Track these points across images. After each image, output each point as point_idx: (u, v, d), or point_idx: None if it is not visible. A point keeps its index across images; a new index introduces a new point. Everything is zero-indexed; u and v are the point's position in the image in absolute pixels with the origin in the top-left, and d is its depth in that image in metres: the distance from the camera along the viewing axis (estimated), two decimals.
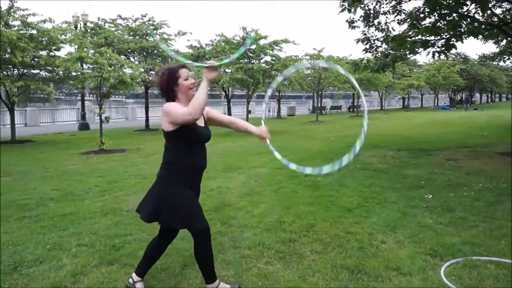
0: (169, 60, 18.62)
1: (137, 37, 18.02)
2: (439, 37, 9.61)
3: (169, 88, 2.75)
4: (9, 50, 12.03)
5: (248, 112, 19.05)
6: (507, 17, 11.81)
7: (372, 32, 10.40)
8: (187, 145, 2.77)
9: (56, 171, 8.23)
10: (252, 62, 17.84)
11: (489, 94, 72.01)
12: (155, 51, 18.14)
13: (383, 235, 4.18)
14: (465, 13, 9.35)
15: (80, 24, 18.19)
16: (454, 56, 45.81)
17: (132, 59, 18.30)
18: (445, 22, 9.24)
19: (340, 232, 4.29)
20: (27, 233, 4.33)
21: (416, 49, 9.69)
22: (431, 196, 5.73)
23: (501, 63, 33.02)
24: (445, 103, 53.44)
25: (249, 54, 17.81)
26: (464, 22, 9.51)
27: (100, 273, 3.33)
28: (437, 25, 9.32)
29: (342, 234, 4.23)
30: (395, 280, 3.20)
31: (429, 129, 17.49)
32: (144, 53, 18.38)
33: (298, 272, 3.35)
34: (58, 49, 14.12)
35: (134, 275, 3.04)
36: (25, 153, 11.26)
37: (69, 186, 6.70)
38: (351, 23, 10.27)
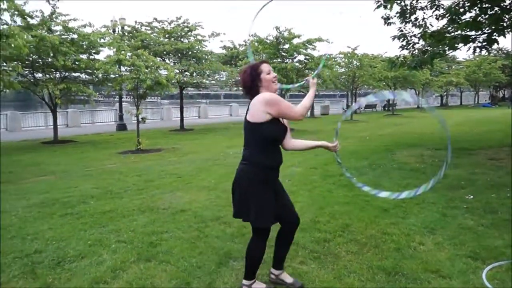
0: (203, 61, 18.91)
1: (172, 39, 18.35)
2: (480, 32, 9.24)
3: (253, 84, 2.81)
4: (51, 54, 12.54)
5: None
6: None
7: (409, 29, 10.14)
8: (276, 140, 2.84)
9: (96, 170, 8.52)
10: (286, 61, 17.80)
11: None
12: (190, 53, 18.42)
13: (421, 237, 4.07)
14: (508, 7, 8.95)
15: (118, 28, 18.73)
16: (495, 52, 43.96)
17: (167, 61, 18.67)
18: (487, 16, 8.86)
19: (376, 232, 4.22)
20: (70, 229, 4.51)
21: (456, 45, 9.36)
22: (472, 197, 5.53)
23: None
24: (486, 101, 51.36)
25: (282, 53, 17.79)
26: (507, 16, 9.10)
27: (139, 269, 3.43)
28: (478, 19, 8.95)
29: (378, 234, 4.15)
30: (434, 283, 3.11)
31: (469, 128, 16.87)
32: (179, 55, 18.70)
33: (333, 273, 3.32)
34: (97, 53, 14.60)
35: (244, 281, 3.03)
36: (67, 153, 11.72)
37: (108, 184, 6.92)
38: (386, 20, 10.06)
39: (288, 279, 3.14)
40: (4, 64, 10.73)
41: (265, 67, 2.83)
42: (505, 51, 46.16)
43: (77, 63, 13.56)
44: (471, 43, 9.31)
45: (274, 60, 17.91)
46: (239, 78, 2.90)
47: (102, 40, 14.14)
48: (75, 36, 13.35)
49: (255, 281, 3.03)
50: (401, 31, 10.09)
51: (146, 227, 4.51)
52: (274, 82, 2.84)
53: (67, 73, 14.34)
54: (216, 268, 3.43)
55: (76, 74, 15.14)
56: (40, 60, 13.30)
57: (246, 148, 2.86)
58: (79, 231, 4.43)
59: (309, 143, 3.12)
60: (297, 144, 3.06)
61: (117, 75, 12.31)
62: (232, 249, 3.81)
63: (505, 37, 8.80)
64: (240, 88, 2.96)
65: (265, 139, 2.76)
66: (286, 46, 17.63)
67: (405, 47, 10.26)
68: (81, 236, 4.28)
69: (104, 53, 18.57)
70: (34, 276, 3.36)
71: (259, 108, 2.71)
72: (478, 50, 9.37)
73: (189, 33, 18.85)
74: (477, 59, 38.75)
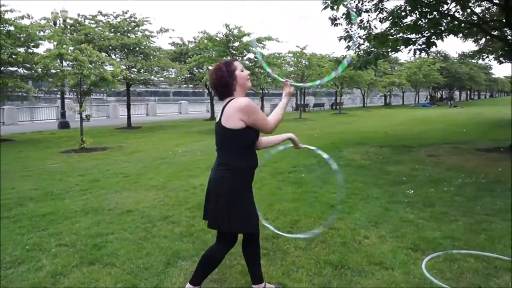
0: (151, 57, 18.46)
1: (119, 33, 17.75)
2: (420, 35, 9.73)
3: (228, 82, 2.67)
4: None
5: None
6: (486, 16, 12.07)
7: (355, 30, 10.47)
8: (252, 144, 2.73)
9: (36, 170, 8.06)
10: (236, 59, 17.78)
11: (468, 92, 73.42)
12: (137, 48, 17.92)
13: (366, 231, 4.21)
14: (446, 12, 9.50)
15: (59, 21, 17.83)
16: (434, 54, 46.61)
17: (113, 56, 18.04)
18: (426, 21, 9.36)
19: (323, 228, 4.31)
20: (5, 234, 4.23)
21: (398, 47, 9.79)
22: (412, 191, 5.81)
23: (480, 61, 33.75)
24: (426, 101, 54.28)
25: (232, 51, 17.76)
26: (445, 21, 9.67)
27: (81, 273, 3.28)
28: (418, 23, 9.44)
29: (326, 230, 4.24)
30: (377, 275, 3.23)
31: (411, 126, 17.74)
32: (126, 50, 18.14)
33: (282, 268, 3.35)
34: (36, 46, 13.80)
35: (188, 285, 2.84)
36: (3, 152, 10.98)
37: (49, 185, 6.57)
38: (333, 21, 10.31)
39: None
40: None
41: (238, 64, 2.75)
42: (443, 54, 49.10)
43: (14, 56, 12.78)
44: (411, 46, 9.77)
45: (224, 58, 17.82)
46: (211, 75, 2.72)
47: (42, 33, 13.40)
48: (11, 28, 12.54)
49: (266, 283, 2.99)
50: (347, 32, 10.39)
51: (89, 229, 4.32)
52: (248, 79, 2.77)
53: (2, 68, 13.45)
54: (164, 268, 3.35)
55: (13, 69, 14.25)
56: None
57: (221, 153, 2.73)
58: (16, 235, 4.16)
59: (278, 137, 3.11)
60: (269, 141, 3.04)
61: (59, 70, 11.72)
62: (180, 249, 3.75)
63: (443, 40, 9.34)
64: (211, 87, 2.81)
65: (243, 144, 2.67)
66: (236, 44, 17.61)
67: (351, 48, 10.57)
68: (18, 240, 4.03)
69: (44, 47, 17.58)
70: None
71: (234, 114, 2.59)
72: (418, 52, 9.85)
73: (136, 28, 18.35)
74: (418, 61, 40.77)
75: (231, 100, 2.64)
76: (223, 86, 2.68)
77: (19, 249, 3.80)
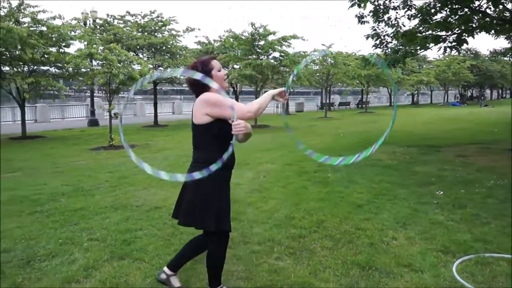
0: (177, 56, 18.68)
1: (146, 33, 18.05)
2: (450, 33, 9.50)
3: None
4: (19, 47, 12.11)
5: None
6: None
7: (382, 28, 10.32)
8: (224, 140, 2.59)
9: (66, 167, 8.30)
10: (261, 58, 17.80)
11: (499, 91, 71.15)
12: (164, 48, 18.17)
13: (393, 232, 4.15)
14: (477, 8, 9.24)
15: (89, 21, 18.27)
16: (464, 52, 45.33)
17: (141, 56, 18.36)
18: (457, 17, 9.13)
19: (350, 228, 4.28)
20: (39, 227, 4.37)
21: (427, 45, 9.60)
22: (442, 192, 5.68)
23: None
24: (455, 100, 52.95)
25: (258, 50, 17.79)
26: (476, 17, 9.40)
27: (112, 268, 3.36)
28: (449, 20, 9.22)
29: (352, 230, 4.21)
30: (406, 277, 3.18)
31: (439, 126, 17.35)
32: (153, 50, 18.43)
33: (309, 268, 3.34)
34: (67, 46, 14.20)
35: (166, 268, 2.97)
36: (35, 149, 11.36)
37: (79, 181, 6.75)
38: (360, 18, 10.19)
39: (177, 283, 2.98)
40: None
41: (216, 63, 2.68)
42: (473, 52, 47.73)
43: (46, 56, 13.18)
44: (441, 43, 9.56)
45: (250, 57, 17.87)
46: (188, 76, 2.64)
47: (73, 33, 13.76)
48: (44, 28, 12.95)
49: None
50: (375, 30, 10.25)
51: (119, 225, 4.42)
52: (225, 79, 2.71)
53: (35, 67, 13.91)
54: (192, 265, 3.39)
55: (45, 68, 14.71)
56: (7, 53, 12.83)
57: (197, 150, 2.70)
58: (49, 229, 4.30)
59: (260, 99, 2.62)
60: (254, 107, 2.59)
61: (89, 69, 12.01)
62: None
63: (474, 37, 9.10)
64: (187, 85, 2.74)
65: (217, 138, 2.60)
66: (262, 42, 17.62)
67: (378, 46, 10.43)
68: (51, 234, 4.16)
69: (75, 47, 18.03)
70: (3, 275, 3.24)
71: (198, 110, 2.57)
72: (448, 50, 9.63)
73: (163, 28, 18.60)
74: (447, 59, 39.79)
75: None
76: (198, 85, 2.59)
77: (53, 242, 3.92)
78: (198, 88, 2.64)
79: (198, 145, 2.70)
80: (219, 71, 2.68)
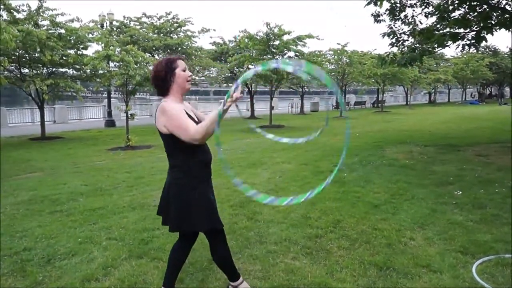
0: (193, 57, 18.80)
1: (162, 34, 18.22)
2: (468, 30, 9.34)
3: (166, 78, 2.56)
4: (38, 49, 12.35)
5: (272, 108, 19.03)
6: None
7: (399, 26, 10.20)
8: (188, 146, 2.51)
9: (85, 167, 8.43)
10: (276, 58, 17.78)
11: None
12: (179, 48, 18.31)
13: (411, 232, 4.11)
14: (496, 5, 9.06)
15: (106, 23, 18.52)
16: (483, 49, 44.46)
17: (156, 57, 18.53)
18: (475, 14, 8.97)
19: (367, 228, 4.25)
20: (59, 226, 4.46)
21: (445, 42, 9.44)
22: (460, 192, 5.60)
23: None
24: (473, 98, 52.01)
25: (272, 50, 17.77)
26: (495, 14, 9.21)
27: (130, 266, 3.40)
28: (467, 17, 9.06)
29: (369, 230, 4.18)
30: (425, 277, 3.15)
31: (457, 125, 17.07)
32: (169, 50, 18.59)
33: (326, 268, 3.33)
34: (85, 48, 14.41)
35: None
36: (54, 149, 11.57)
37: (97, 181, 6.85)
38: (376, 17, 10.10)
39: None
40: None
41: (181, 63, 2.62)
42: (492, 49, 46.77)
43: (64, 58, 13.39)
44: (460, 41, 9.40)
45: (264, 57, 17.87)
46: (152, 69, 2.63)
47: (90, 35, 13.98)
48: (62, 31, 13.17)
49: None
50: (391, 28, 10.15)
51: (137, 224, 4.48)
52: (188, 81, 2.63)
53: (54, 69, 14.16)
54: (209, 264, 3.42)
55: (64, 70, 14.95)
56: (26, 55, 13.11)
57: (167, 155, 2.67)
58: (69, 229, 4.38)
59: (209, 117, 2.44)
60: (203, 128, 2.42)
61: (106, 71, 12.18)
62: None
63: (492, 34, 8.92)
64: (152, 81, 2.66)
65: (180, 145, 2.52)
66: (276, 42, 17.60)
67: (395, 44, 10.32)
68: (71, 233, 4.24)
69: (92, 49, 18.33)
70: (24, 273, 3.31)
71: (158, 119, 2.51)
72: (466, 47, 9.47)
73: (179, 29, 18.76)
74: (465, 56, 39.10)
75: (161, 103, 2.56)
76: (161, 80, 2.57)
77: (72, 241, 4.00)
78: (161, 86, 2.60)
79: (166, 150, 2.66)
80: (184, 71, 2.61)
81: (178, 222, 2.63)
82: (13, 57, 12.68)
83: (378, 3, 9.24)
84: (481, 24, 9.00)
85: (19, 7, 12.24)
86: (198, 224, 2.62)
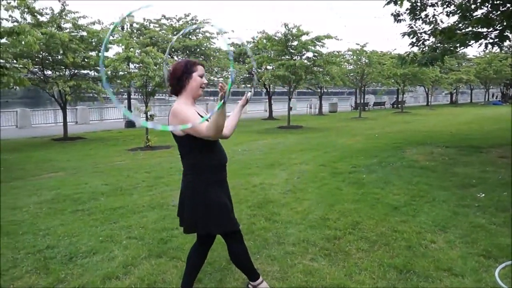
0: (211, 58, 18.90)
1: (181, 36, 18.38)
2: (491, 29, 9.13)
3: (181, 78, 2.58)
4: (61, 52, 12.63)
5: (290, 108, 18.99)
6: None
7: (419, 25, 10.04)
8: (205, 144, 2.57)
9: (105, 167, 8.57)
10: (294, 58, 17.75)
11: None
12: (198, 50, 18.45)
13: (432, 235, 4.04)
14: None
15: (127, 25, 18.80)
16: (506, 49, 43.35)
17: (175, 58, 18.71)
18: (498, 13, 8.76)
19: (386, 230, 4.20)
20: (81, 225, 4.55)
21: (467, 42, 9.24)
22: (483, 195, 5.47)
23: None
24: (496, 98, 50.81)
25: (291, 50, 17.74)
26: None
27: (150, 265, 3.45)
28: (490, 16, 8.86)
29: (389, 232, 4.13)
30: (446, 281, 3.09)
31: (480, 126, 16.71)
32: (187, 52, 18.75)
33: (344, 270, 3.31)
34: (106, 50, 14.67)
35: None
36: (76, 149, 11.81)
37: (118, 181, 6.96)
38: (396, 17, 9.97)
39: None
40: (15, 61, 10.81)
41: (200, 69, 2.65)
42: None
43: (86, 60, 13.65)
44: (482, 40, 9.19)
45: (283, 57, 17.85)
46: (171, 67, 2.65)
47: (111, 37, 14.19)
48: (84, 33, 13.45)
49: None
50: (411, 27, 10.00)
51: (156, 224, 4.53)
52: (202, 87, 2.65)
53: (76, 70, 14.45)
54: (227, 264, 3.43)
55: (85, 71, 15.25)
56: (50, 57, 13.43)
57: (181, 159, 2.68)
58: (90, 227, 4.47)
59: (235, 114, 2.80)
60: (229, 124, 2.74)
61: (126, 72, 12.36)
62: None
63: None
64: (168, 78, 2.68)
65: (195, 147, 2.57)
66: (295, 43, 17.56)
67: (415, 44, 10.16)
68: (92, 232, 4.32)
69: (113, 50, 18.62)
70: (47, 271, 3.39)
71: (171, 121, 2.55)
72: (490, 46, 9.25)
73: (197, 30, 18.88)
74: (488, 56, 38.25)
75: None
76: (175, 80, 2.61)
77: (93, 240, 4.07)
78: (175, 85, 2.62)
79: (181, 153, 2.68)
80: (201, 76, 2.63)
81: (191, 225, 2.66)
82: (36, 59, 13.02)
83: (399, 2, 9.12)
84: (505, 23, 8.77)
85: (43, 10, 12.53)
86: (211, 227, 2.63)
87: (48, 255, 3.70)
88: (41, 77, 13.80)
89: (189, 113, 2.52)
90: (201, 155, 2.60)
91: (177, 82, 2.61)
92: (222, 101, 2.32)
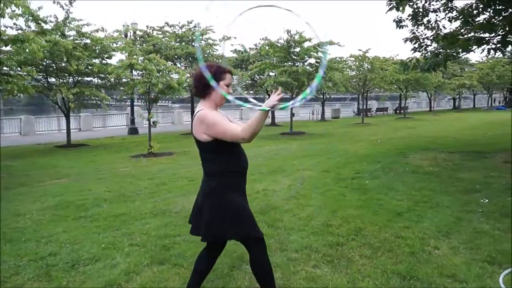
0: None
1: (183, 43, 18.47)
2: (494, 34, 9.13)
3: (209, 85, 2.50)
4: (65, 59, 12.70)
5: (292, 114, 18.99)
6: None
7: (421, 31, 10.06)
8: (229, 150, 2.58)
9: (108, 174, 8.58)
10: (297, 64, 17.78)
11: None
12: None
13: (436, 241, 4.02)
14: None
15: (130, 33, 18.89)
16: (509, 54, 43.34)
17: (178, 65, 18.78)
18: (501, 18, 8.77)
19: (389, 236, 4.17)
20: (83, 232, 4.55)
21: (470, 47, 9.25)
22: (487, 200, 5.44)
23: None
24: (499, 103, 50.68)
25: (293, 57, 17.78)
26: None
27: (152, 272, 3.44)
28: (492, 21, 8.86)
29: (392, 238, 4.11)
30: None
31: (483, 131, 16.65)
32: (190, 59, 18.81)
33: (347, 277, 3.29)
34: (110, 57, 14.76)
35: None
36: (80, 156, 11.84)
37: (121, 188, 6.96)
38: (399, 23, 9.99)
39: None
40: (19, 68, 10.88)
41: (228, 78, 2.62)
42: None
43: (90, 67, 13.73)
44: (485, 45, 9.20)
45: (285, 64, 17.88)
46: (199, 72, 2.57)
47: (115, 45, 14.29)
48: (88, 40, 13.54)
49: None
50: (414, 33, 10.01)
51: (158, 231, 4.53)
52: (223, 98, 2.62)
53: (80, 78, 14.51)
54: (229, 271, 3.42)
55: (89, 79, 15.33)
56: (53, 65, 13.50)
57: (203, 163, 2.67)
58: (93, 234, 4.46)
59: (256, 117, 2.42)
60: (252, 128, 2.43)
61: (129, 79, 12.42)
62: (244, 252, 3.76)
63: None
64: (193, 82, 2.65)
65: (220, 152, 2.57)
66: (297, 49, 17.60)
67: (418, 50, 10.17)
68: (94, 239, 4.31)
69: (117, 58, 18.69)
70: (49, 278, 3.39)
71: (197, 127, 2.54)
72: (492, 52, 9.25)
73: (200, 37, 18.96)
74: (490, 61, 38.22)
75: (199, 111, 2.57)
76: (202, 85, 2.57)
77: (96, 247, 4.07)
78: (201, 90, 2.60)
79: (205, 159, 2.66)
80: (227, 86, 2.61)
81: (212, 231, 2.59)
82: (40, 66, 13.09)
83: (401, 8, 9.14)
84: (507, 28, 8.78)
85: (47, 18, 12.62)
86: (233, 232, 2.59)
87: (51, 262, 3.69)
88: (45, 85, 13.88)
89: (218, 117, 2.52)
90: (227, 160, 2.60)
91: (204, 88, 2.58)
92: (267, 107, 2.32)
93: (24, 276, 3.42)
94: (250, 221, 2.65)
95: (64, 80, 14.11)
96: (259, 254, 2.69)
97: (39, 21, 12.24)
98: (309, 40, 17.32)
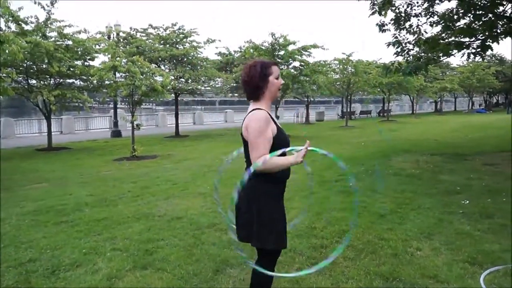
0: (198, 67, 18.90)
1: (167, 45, 18.35)
2: (474, 39, 9.32)
3: (259, 85, 2.42)
4: (46, 61, 12.48)
5: (277, 117, 19.03)
6: None
7: (404, 35, 10.21)
8: (283, 153, 2.45)
9: (91, 177, 8.46)
10: (281, 67, 17.85)
11: None
12: (185, 59, 18.42)
13: (418, 242, 4.06)
14: (501, 14, 9.05)
15: (113, 34, 18.69)
16: (489, 58, 44.36)
17: (162, 67, 18.65)
18: (480, 23, 8.96)
19: (373, 238, 4.21)
20: (64, 237, 4.46)
21: (450, 51, 9.43)
22: (468, 202, 5.54)
23: None
24: (480, 107, 51.74)
25: (278, 60, 17.84)
26: (500, 23, 9.20)
27: (135, 277, 3.39)
28: (472, 26, 9.05)
29: (375, 240, 4.14)
30: None
31: (464, 133, 16.96)
32: (174, 61, 18.69)
33: (331, 279, 3.30)
34: (92, 59, 14.56)
35: None
36: (61, 160, 11.63)
37: (103, 191, 6.86)
38: (381, 27, 10.12)
39: None
40: None
41: (275, 70, 2.47)
42: (498, 57, 46.64)
43: (72, 69, 13.52)
44: (465, 49, 9.38)
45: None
46: (245, 71, 2.46)
47: (97, 47, 14.12)
48: (70, 42, 13.32)
49: None
50: (396, 37, 10.15)
51: (141, 235, 4.47)
52: (279, 89, 2.53)
53: (61, 80, 14.28)
54: (213, 275, 3.40)
55: (71, 81, 15.07)
56: (34, 67, 13.24)
57: (248, 164, 2.51)
58: (74, 239, 4.38)
59: (283, 162, 2.47)
60: (270, 165, 2.38)
61: (112, 82, 12.27)
62: (228, 256, 3.78)
63: (498, 43, 8.88)
64: (241, 82, 2.52)
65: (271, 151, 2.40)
66: (282, 52, 17.67)
67: (400, 54, 10.31)
68: (76, 244, 4.23)
69: (99, 60, 18.48)
70: (29, 285, 3.31)
71: (245, 124, 2.43)
72: (472, 56, 9.44)
73: (184, 40, 18.86)
74: (471, 65, 39.04)
75: (252, 110, 2.43)
76: (252, 87, 2.44)
77: (77, 252, 3.99)
78: (253, 92, 2.47)
79: (248, 159, 2.50)
80: (277, 79, 2.48)
81: (264, 237, 2.42)
82: (21, 68, 12.84)
83: (383, 13, 9.26)
84: (487, 33, 8.98)
85: (27, 18, 12.39)
86: (265, 241, 2.44)
87: (30, 269, 3.61)
88: (25, 86, 13.60)
89: (264, 127, 2.36)
90: None
91: (255, 89, 2.44)
92: (297, 161, 2.34)
93: (3, 283, 3.34)
94: (285, 232, 2.53)
95: (45, 82, 13.85)
96: (266, 264, 2.52)
97: (20, 22, 12.00)
98: (294, 43, 17.41)
